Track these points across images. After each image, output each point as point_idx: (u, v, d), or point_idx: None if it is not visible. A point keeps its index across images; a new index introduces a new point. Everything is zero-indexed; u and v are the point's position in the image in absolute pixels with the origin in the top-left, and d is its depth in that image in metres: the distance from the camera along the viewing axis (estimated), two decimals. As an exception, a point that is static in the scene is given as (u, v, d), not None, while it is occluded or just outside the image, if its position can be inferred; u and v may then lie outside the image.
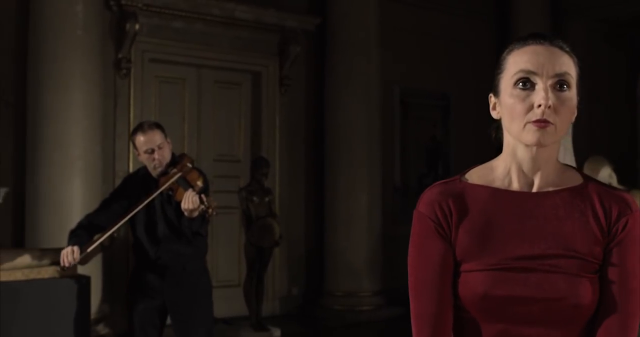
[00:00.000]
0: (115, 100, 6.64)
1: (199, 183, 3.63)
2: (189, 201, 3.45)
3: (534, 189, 1.45)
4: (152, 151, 3.69)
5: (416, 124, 8.72)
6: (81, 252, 3.59)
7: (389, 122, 8.35)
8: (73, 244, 3.60)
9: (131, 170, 6.63)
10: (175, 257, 3.75)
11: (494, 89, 1.49)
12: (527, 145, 1.43)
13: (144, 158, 3.75)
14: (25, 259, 3.84)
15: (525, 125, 1.40)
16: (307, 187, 7.86)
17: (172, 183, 3.62)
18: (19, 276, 3.76)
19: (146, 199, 3.62)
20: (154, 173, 3.73)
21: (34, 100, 5.84)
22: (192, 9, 7.00)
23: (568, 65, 1.42)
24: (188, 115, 7.25)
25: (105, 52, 6.31)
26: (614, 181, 4.46)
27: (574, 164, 4.55)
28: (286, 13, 7.56)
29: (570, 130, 4.52)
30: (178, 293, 3.75)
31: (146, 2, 6.69)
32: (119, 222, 3.65)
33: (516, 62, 1.43)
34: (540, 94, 1.39)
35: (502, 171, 1.48)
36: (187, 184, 3.60)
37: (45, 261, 3.90)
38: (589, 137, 9.04)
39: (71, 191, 5.75)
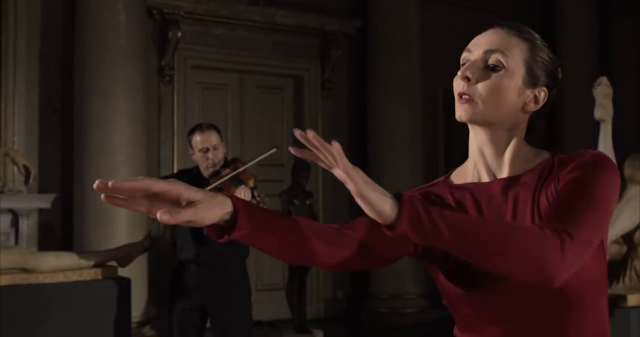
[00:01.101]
0: (159, 107, 6.77)
1: (251, 183, 3.71)
2: (242, 195, 3.54)
3: (503, 175, 1.42)
4: (207, 150, 3.80)
5: (460, 126, 8.59)
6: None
7: (432, 124, 8.32)
8: None
9: (176, 175, 6.75)
10: (216, 258, 3.80)
11: None
12: (471, 129, 1.44)
13: (198, 157, 3.84)
14: (67, 261, 3.94)
15: (456, 103, 1.42)
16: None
17: (224, 182, 3.70)
18: (60, 278, 3.86)
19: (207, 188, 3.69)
20: (206, 173, 3.82)
21: (79, 107, 5.99)
22: (233, 16, 7.10)
23: (507, 46, 1.39)
24: (231, 120, 7.34)
25: (148, 59, 6.44)
26: (656, 179, 4.36)
27: (614, 162, 4.49)
28: (327, 17, 7.60)
29: (609, 128, 4.45)
30: (217, 294, 3.81)
31: (188, 9, 6.80)
32: None
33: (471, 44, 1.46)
34: (461, 70, 1.41)
35: (471, 164, 1.48)
36: (240, 182, 3.69)
37: (87, 263, 4.00)
38: (636, 134, 8.87)
39: (117, 196, 5.87)
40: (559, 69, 1.46)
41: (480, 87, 1.38)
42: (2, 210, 5.68)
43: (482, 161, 1.46)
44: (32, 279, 3.79)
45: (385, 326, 7.07)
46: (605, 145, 4.43)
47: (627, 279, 4.15)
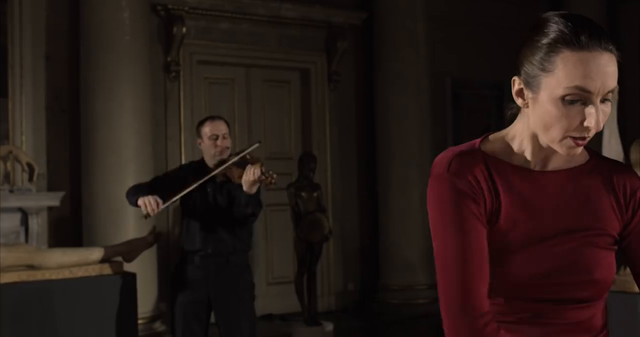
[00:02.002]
0: (165, 103, 6.79)
1: (258, 164, 3.72)
2: (251, 173, 3.58)
3: (549, 168, 1.42)
4: (217, 138, 3.85)
5: (469, 116, 8.64)
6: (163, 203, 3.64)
7: (441, 115, 8.30)
8: (149, 194, 3.65)
9: (184, 170, 6.77)
10: (222, 249, 3.82)
11: (527, 79, 1.35)
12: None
13: (206, 144, 3.88)
14: (72, 257, 3.96)
15: (563, 138, 1.33)
16: (360, 182, 7.88)
17: (229, 167, 3.72)
18: (66, 274, 3.88)
19: (204, 178, 3.71)
20: (212, 161, 3.84)
21: (86, 106, 6.02)
22: (238, 10, 7.10)
23: (616, 75, 1.31)
24: (238, 114, 7.35)
25: (153, 56, 6.46)
26: (661, 164, 4.33)
27: (619, 146, 4.47)
28: (332, 9, 7.59)
29: (615, 113, 4.42)
30: (222, 286, 3.83)
31: (192, 5, 6.81)
32: (185, 189, 3.71)
33: (569, 72, 1.28)
34: (592, 117, 1.29)
35: (517, 148, 1.42)
36: (246, 163, 3.70)
37: (92, 259, 4.02)
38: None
39: (125, 193, 5.89)
40: None
41: (600, 123, 1.33)
42: (12, 209, 5.73)
43: (536, 149, 1.41)
44: (39, 275, 3.81)
45: (397, 317, 7.07)
46: (611, 130, 4.41)
47: (634, 265, 4.12)
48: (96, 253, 4.03)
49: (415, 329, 6.93)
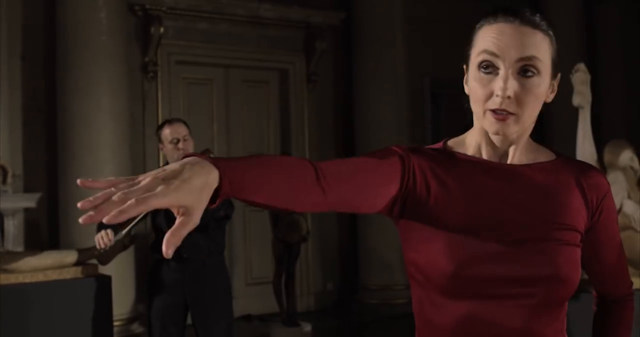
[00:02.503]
0: (143, 103, 6.76)
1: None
2: None
3: (510, 162, 1.41)
4: (177, 141, 3.82)
5: (448, 115, 8.67)
6: (115, 234, 3.64)
7: (419, 114, 8.32)
8: (102, 229, 3.65)
9: (162, 171, 6.75)
10: (195, 251, 3.81)
11: (465, 62, 1.42)
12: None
13: (168, 149, 3.86)
14: (47, 260, 3.94)
15: (484, 112, 1.34)
16: (339, 182, 7.87)
17: None
18: (40, 277, 3.87)
19: None
20: None
21: (63, 106, 5.99)
22: (216, 10, 7.08)
23: (538, 47, 1.33)
24: (217, 115, 7.34)
25: (131, 56, 6.43)
26: (635, 164, 4.37)
27: (593, 148, 4.50)
28: (311, 9, 7.59)
29: (588, 114, 4.46)
30: (198, 288, 3.82)
31: (170, 5, 6.79)
32: (134, 220, 3.72)
33: (483, 39, 1.35)
34: (499, 83, 1.31)
35: (472, 141, 1.44)
36: None
37: (67, 262, 4.00)
38: (624, 119, 8.88)
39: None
40: None
41: (519, 100, 1.32)
42: (-13, 210, 5.69)
43: (489, 144, 1.42)
44: (12, 279, 3.79)
45: (376, 317, 7.09)
46: (585, 131, 4.44)
47: (608, 265, 4.16)
48: (71, 256, 4.02)
49: (394, 328, 6.95)
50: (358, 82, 7.71)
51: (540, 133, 9.07)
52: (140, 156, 6.65)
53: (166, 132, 3.86)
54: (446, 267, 1.32)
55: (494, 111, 1.32)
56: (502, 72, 1.31)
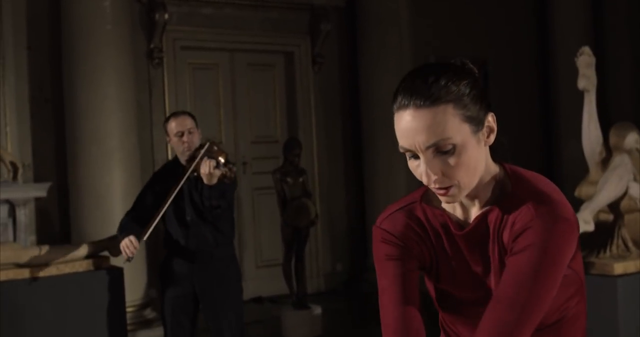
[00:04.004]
0: (150, 90, 6.79)
1: (221, 159, 3.74)
2: (206, 165, 3.60)
3: (476, 209, 1.42)
4: (182, 134, 3.84)
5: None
6: (138, 240, 3.71)
7: (426, 94, 8.30)
8: (127, 235, 3.72)
9: (169, 158, 6.79)
10: (204, 244, 3.86)
11: None
12: None
13: (174, 142, 3.89)
14: (59, 254, 4.00)
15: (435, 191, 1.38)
16: (346, 164, 7.92)
17: (197, 163, 3.73)
18: (53, 271, 3.92)
19: (177, 184, 3.74)
20: (183, 158, 3.86)
21: (69, 96, 6.02)
22: (220, -6, 7.07)
23: (441, 127, 1.29)
24: (223, 99, 7.36)
25: (136, 43, 6.44)
26: (640, 147, 4.38)
27: (598, 131, 4.50)
28: (314, -9, 7.57)
29: (593, 98, 4.46)
30: (208, 280, 3.87)
31: (174, -9, 6.78)
32: (162, 209, 3.75)
33: (397, 131, 1.34)
34: (423, 168, 1.33)
35: None
36: (210, 158, 3.73)
37: (79, 255, 4.06)
38: (632, 100, 8.86)
39: (111, 182, 5.93)
40: (475, 75, 1.40)
41: (449, 174, 1.33)
42: (-1, 201, 5.75)
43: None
44: (26, 273, 3.85)
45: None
46: (590, 115, 4.44)
47: (614, 247, 4.19)
48: (82, 249, 4.07)
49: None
50: (363, 63, 7.70)
51: (548, 127, 9.06)
52: (148, 144, 6.69)
53: (172, 125, 3.89)
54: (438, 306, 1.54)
55: (434, 189, 1.36)
56: (421, 157, 1.33)
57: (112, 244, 4.21)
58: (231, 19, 7.23)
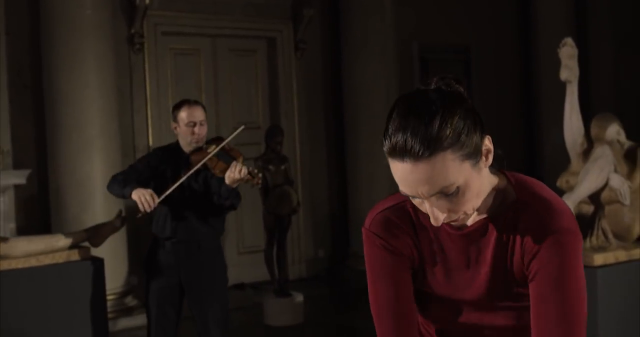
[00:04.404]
0: (130, 76, 6.72)
1: (241, 160, 3.72)
2: (237, 170, 3.55)
3: (471, 218, 1.43)
4: (194, 125, 3.78)
5: (437, 81, 8.62)
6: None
7: (408, 80, 8.29)
8: (137, 187, 3.60)
9: (151, 143, 6.75)
10: (192, 236, 3.83)
11: None
12: None
13: (183, 131, 3.81)
14: (39, 245, 3.96)
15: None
16: (328, 150, 7.91)
17: (211, 158, 3.70)
18: (33, 262, 3.89)
19: (188, 172, 3.70)
20: (188, 148, 3.81)
21: (49, 82, 5.95)
22: (202, -21, 7.00)
23: (443, 175, 1.28)
24: (205, 85, 7.30)
25: (117, 28, 6.37)
26: (622, 138, 4.40)
27: (580, 122, 4.51)
28: (297, -24, 7.51)
29: (575, 89, 4.46)
30: (194, 271, 3.85)
31: (155, -25, 6.70)
32: (171, 187, 3.70)
33: (395, 175, 1.33)
34: (426, 207, 1.34)
35: None
36: (230, 157, 3.70)
37: (59, 246, 4.02)
38: (613, 91, 8.90)
39: (92, 169, 5.88)
40: (465, 98, 1.36)
41: (454, 209, 1.34)
42: (-23, 188, 5.70)
43: None
44: (5, 265, 3.82)
45: (367, 284, 7.16)
46: (572, 106, 4.44)
47: (594, 238, 4.21)
48: (63, 240, 4.03)
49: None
50: (346, 49, 7.67)
51: (530, 115, 9.08)
52: (129, 130, 6.64)
53: (183, 114, 3.80)
54: (430, 316, 1.55)
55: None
56: (426, 202, 1.34)
57: (93, 234, 4.19)
58: (213, 4, 7.16)
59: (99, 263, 4.11)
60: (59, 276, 3.95)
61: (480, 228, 1.43)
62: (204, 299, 3.87)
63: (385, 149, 1.31)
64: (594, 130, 4.42)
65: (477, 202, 1.36)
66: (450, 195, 1.31)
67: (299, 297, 6.01)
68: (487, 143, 1.36)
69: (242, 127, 4.00)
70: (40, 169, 6.09)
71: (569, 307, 1.33)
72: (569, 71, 4.37)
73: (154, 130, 6.82)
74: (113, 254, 5.68)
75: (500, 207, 1.42)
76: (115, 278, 5.77)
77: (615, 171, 4.25)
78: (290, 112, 7.61)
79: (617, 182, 4.20)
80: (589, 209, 4.33)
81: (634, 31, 9.29)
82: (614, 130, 4.39)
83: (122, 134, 6.28)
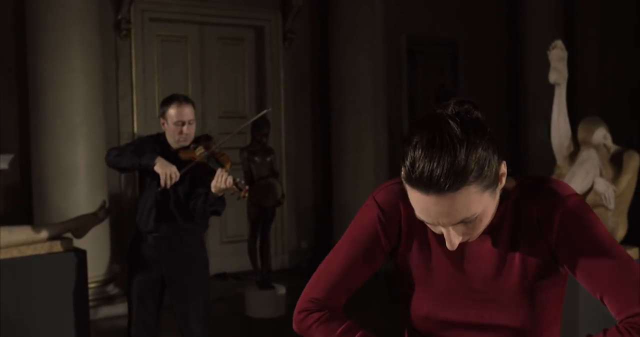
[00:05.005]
0: (117, 62, 6.65)
1: (228, 167, 3.68)
2: (222, 181, 3.50)
3: None
4: (182, 124, 3.72)
5: (424, 73, 8.64)
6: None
7: (396, 73, 8.28)
8: (158, 156, 3.58)
9: (136, 130, 6.70)
10: (174, 230, 3.80)
11: None
12: None
13: (171, 129, 3.75)
14: (21, 235, 3.92)
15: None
16: (314, 141, 7.88)
17: (201, 160, 3.66)
18: (14, 253, 3.85)
19: (184, 169, 3.67)
20: (175, 146, 3.77)
21: (33, 67, 5.87)
22: (191, -34, 6.92)
23: (466, 208, 1.30)
24: (191, 73, 7.25)
25: (104, 14, 6.30)
26: (608, 142, 4.41)
27: (567, 125, 4.52)
28: (287, -35, 7.44)
29: (564, 92, 4.47)
30: (176, 265, 3.82)
31: (143, -40, 6.62)
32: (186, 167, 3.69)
33: (414, 203, 1.33)
34: (441, 231, 1.36)
35: None
36: (217, 163, 3.65)
37: (41, 237, 3.99)
38: (600, 93, 8.93)
39: (75, 156, 5.83)
40: (485, 127, 1.35)
41: (471, 234, 1.37)
42: (-41, 172, 5.62)
43: None
44: (-14, 255, 3.78)
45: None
46: (560, 108, 4.45)
47: (577, 241, 4.23)
48: (45, 231, 3.99)
49: (369, 287, 7.06)
50: (334, 40, 7.63)
51: (516, 110, 9.10)
52: (114, 117, 6.58)
53: (172, 112, 3.72)
54: (420, 313, 1.51)
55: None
56: (443, 229, 1.36)
57: (76, 226, 4.15)
58: (202, -10, 7.09)
59: (81, 255, 4.07)
60: (41, 267, 3.92)
61: (494, 229, 1.46)
62: (185, 294, 3.84)
63: (404, 175, 1.31)
64: (580, 134, 4.43)
65: (488, 221, 1.39)
66: (469, 222, 1.34)
67: (282, 290, 6.00)
68: (503, 168, 1.37)
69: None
70: (23, 154, 6.02)
71: (626, 265, 1.35)
72: (558, 74, 4.37)
73: (139, 117, 6.77)
74: (95, 242, 5.64)
75: (504, 195, 1.44)
76: (97, 266, 5.74)
77: (601, 174, 4.26)
78: (276, 102, 7.57)
79: (602, 186, 4.22)
80: (573, 211, 4.34)
81: (622, 30, 9.32)
82: (601, 135, 4.40)
83: (106, 121, 6.22)
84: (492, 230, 1.43)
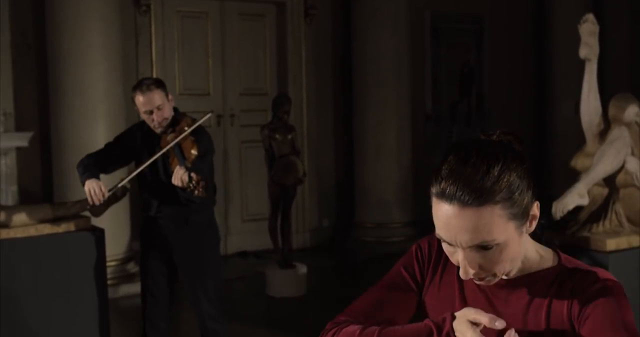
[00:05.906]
0: (136, 39, 6.58)
1: (193, 152, 3.59)
2: (177, 179, 3.43)
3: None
4: (151, 112, 3.64)
5: (449, 51, 8.48)
6: (108, 191, 3.61)
7: (419, 50, 8.13)
8: (93, 179, 3.59)
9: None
10: (176, 212, 3.74)
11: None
12: None
13: (143, 117, 3.70)
14: (39, 214, 3.87)
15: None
16: (336, 119, 7.78)
17: (170, 150, 3.59)
18: (32, 231, 3.81)
19: (150, 159, 3.63)
20: (156, 131, 3.71)
21: (52, 45, 5.82)
22: (211, -60, 6.80)
23: (487, 228, 1.26)
24: (212, 49, 7.15)
25: (123, -10, 6.21)
26: None
27: (598, 102, 4.38)
28: (310, -61, 7.30)
29: (594, 68, 4.32)
30: (183, 246, 3.76)
31: None
32: (133, 173, 3.72)
33: (435, 219, 1.31)
34: (458, 259, 1.31)
35: None
36: (181, 155, 3.56)
37: (59, 215, 3.94)
38: (629, 73, 8.73)
39: (95, 134, 5.77)
40: (524, 158, 1.33)
41: (486, 268, 1.32)
42: (-22, 150, 5.60)
43: None
44: (4, 234, 3.73)
45: (371, 255, 7.11)
46: (590, 85, 4.30)
47: (607, 222, 4.12)
48: (62, 209, 3.95)
49: (389, 267, 6.98)
50: (357, 17, 7.49)
51: (542, 88, 8.92)
52: (133, 94, 6.50)
53: (139, 100, 3.64)
54: None
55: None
56: (459, 254, 1.31)
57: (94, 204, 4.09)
58: (222, -35, 6.98)
59: (99, 233, 4.02)
60: (59, 246, 3.88)
61: (522, 279, 1.40)
62: (194, 274, 3.78)
63: (433, 190, 1.30)
64: (611, 111, 4.28)
65: (509, 266, 1.34)
66: (488, 250, 1.28)
67: (303, 269, 5.94)
68: (535, 209, 1.34)
69: (209, 115, 3.87)
70: (43, 131, 5.98)
71: None
72: (589, 49, 4.22)
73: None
74: (115, 220, 5.60)
75: (544, 269, 1.40)
76: (117, 245, 5.71)
77: (632, 153, 4.13)
78: (298, 79, 7.47)
79: (634, 165, 4.09)
80: (602, 191, 4.22)
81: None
82: (633, 112, 4.25)
83: (126, 98, 6.15)
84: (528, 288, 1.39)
